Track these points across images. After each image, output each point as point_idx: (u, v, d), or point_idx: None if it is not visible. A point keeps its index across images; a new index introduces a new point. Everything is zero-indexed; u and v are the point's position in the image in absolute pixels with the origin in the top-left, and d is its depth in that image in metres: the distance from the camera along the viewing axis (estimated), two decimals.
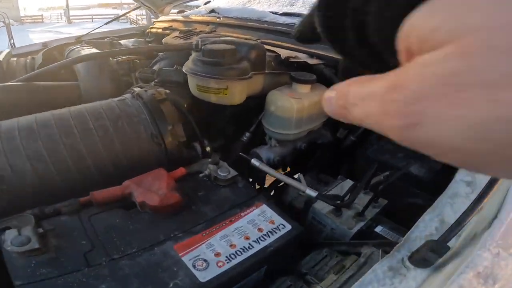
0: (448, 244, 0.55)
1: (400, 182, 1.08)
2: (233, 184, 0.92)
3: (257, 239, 0.77)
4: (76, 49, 1.44)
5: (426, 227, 0.64)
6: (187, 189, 0.89)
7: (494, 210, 0.65)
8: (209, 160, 0.95)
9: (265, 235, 0.78)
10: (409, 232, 0.63)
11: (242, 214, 0.83)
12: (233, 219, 0.81)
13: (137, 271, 0.65)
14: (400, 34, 0.15)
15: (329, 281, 0.69)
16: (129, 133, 0.92)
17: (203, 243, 0.74)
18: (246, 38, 1.50)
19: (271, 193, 1.30)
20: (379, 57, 0.18)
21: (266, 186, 1.42)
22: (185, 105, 1.17)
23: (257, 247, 0.75)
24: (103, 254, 0.67)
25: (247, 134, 1.38)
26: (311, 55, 1.38)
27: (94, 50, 1.38)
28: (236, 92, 1.11)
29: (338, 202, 0.83)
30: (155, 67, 1.47)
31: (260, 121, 1.37)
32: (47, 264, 0.62)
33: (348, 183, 1.03)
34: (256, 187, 1.40)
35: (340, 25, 0.19)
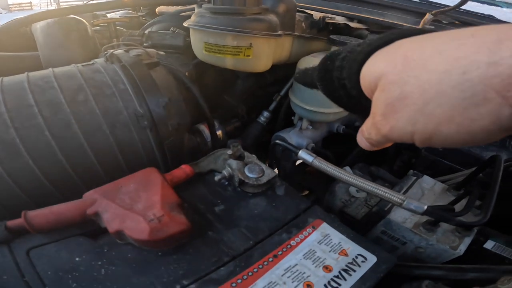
0: None
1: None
2: (269, 190, 0.57)
3: (325, 286, 0.42)
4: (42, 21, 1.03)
5: None
6: (197, 201, 0.53)
7: None
8: (228, 151, 0.58)
9: (337, 277, 0.43)
10: None
11: (292, 242, 0.48)
12: (281, 253, 0.46)
13: None
14: (361, 84, 0.28)
15: None
16: (98, 112, 0.55)
17: None
18: None
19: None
20: (359, 102, 0.30)
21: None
22: (187, 74, 0.80)
23: None
24: None
25: (266, 113, 1.01)
26: (351, 19, 1.02)
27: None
28: (262, 54, 0.74)
29: (454, 216, 0.49)
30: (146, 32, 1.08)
31: (283, 97, 1.01)
32: None
33: (427, 181, 0.69)
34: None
35: (332, 87, 0.31)
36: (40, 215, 0.41)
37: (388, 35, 0.27)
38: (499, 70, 0.20)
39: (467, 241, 0.56)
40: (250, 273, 0.43)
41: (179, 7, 1.27)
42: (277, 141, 0.63)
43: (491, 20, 0.93)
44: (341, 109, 0.85)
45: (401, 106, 0.24)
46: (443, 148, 0.82)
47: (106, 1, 0.98)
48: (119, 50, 0.68)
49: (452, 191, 0.66)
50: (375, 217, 0.62)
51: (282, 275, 0.43)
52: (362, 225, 0.66)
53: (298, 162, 0.97)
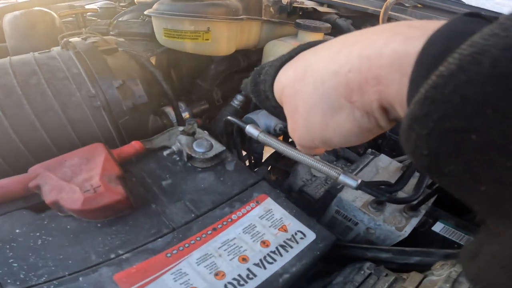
0: None
1: None
2: (219, 165, 0.57)
3: (261, 260, 0.42)
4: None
5: None
6: (146, 175, 0.53)
7: None
8: (181, 129, 0.58)
9: (273, 252, 0.43)
10: None
11: (233, 216, 0.48)
12: (220, 226, 0.46)
13: None
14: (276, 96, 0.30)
15: None
16: (50, 94, 0.55)
17: (166, 270, 0.39)
18: None
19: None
20: (278, 108, 0.31)
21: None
22: (153, 60, 0.79)
23: (262, 276, 0.40)
24: None
25: (239, 96, 1.01)
26: (320, 3, 1.00)
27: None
28: (221, 38, 0.74)
29: (389, 193, 0.49)
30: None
31: None
32: None
33: (383, 160, 0.69)
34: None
35: (261, 99, 0.33)
36: None
37: (294, 49, 0.28)
38: (340, 79, 0.21)
39: (413, 222, 0.55)
40: (186, 245, 0.43)
41: None
42: (228, 117, 0.62)
43: (455, 2, 0.91)
44: None
45: (296, 117, 0.26)
46: None
47: None
48: (76, 38, 0.67)
49: (403, 169, 0.66)
50: (329, 195, 0.62)
51: (219, 248, 0.43)
52: (320, 205, 0.66)
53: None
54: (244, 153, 0.93)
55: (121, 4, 1.83)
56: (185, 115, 0.81)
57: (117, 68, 0.63)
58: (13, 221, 0.43)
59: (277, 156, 1.02)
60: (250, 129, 0.53)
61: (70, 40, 0.64)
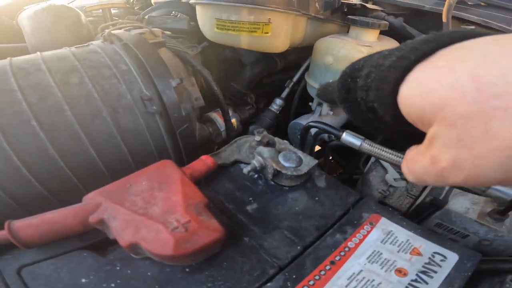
0: None
1: None
2: (308, 182, 0.46)
3: None
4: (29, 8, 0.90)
5: None
6: (223, 199, 0.41)
7: None
8: (256, 137, 0.47)
9: (415, 281, 0.33)
10: None
11: (350, 244, 0.37)
12: (338, 258, 0.35)
13: None
14: (402, 109, 0.20)
15: None
16: (96, 95, 0.43)
17: None
18: None
19: None
20: (396, 127, 0.23)
21: None
22: (194, 56, 0.68)
23: None
24: None
25: (279, 101, 0.91)
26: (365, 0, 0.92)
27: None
28: (281, 32, 0.64)
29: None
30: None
31: (295, 83, 0.91)
32: None
33: None
34: None
35: (357, 110, 0.25)
36: (28, 225, 0.30)
37: (425, 42, 0.19)
38: None
39: None
40: (305, 287, 0.32)
41: None
42: (311, 123, 0.52)
43: None
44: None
45: (486, 149, 0.17)
46: None
47: None
48: (119, 30, 0.56)
49: None
50: (428, 207, 0.52)
51: (347, 286, 0.32)
52: (410, 218, 0.56)
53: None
54: None
55: (136, 7, 1.73)
56: (233, 121, 0.70)
57: (168, 64, 0.51)
58: (74, 266, 0.30)
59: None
60: (349, 137, 0.43)
61: (113, 32, 0.52)
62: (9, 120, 0.37)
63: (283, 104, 0.92)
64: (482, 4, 0.86)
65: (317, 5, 0.83)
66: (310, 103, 0.86)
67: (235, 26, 0.60)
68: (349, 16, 0.80)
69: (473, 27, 0.80)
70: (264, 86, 1.01)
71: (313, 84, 0.78)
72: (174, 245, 0.28)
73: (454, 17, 0.82)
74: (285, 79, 0.94)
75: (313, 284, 0.32)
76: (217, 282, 0.31)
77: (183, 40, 0.79)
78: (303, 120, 0.82)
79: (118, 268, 0.31)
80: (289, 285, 0.32)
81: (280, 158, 0.44)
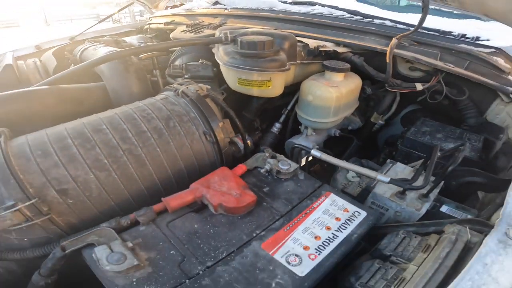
0: None
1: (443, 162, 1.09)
2: (295, 176, 0.90)
3: (338, 228, 0.75)
4: (90, 48, 1.33)
5: None
6: (251, 186, 0.85)
7: None
8: (266, 154, 0.91)
9: (344, 223, 0.77)
10: (503, 208, 0.65)
11: (314, 205, 0.81)
12: (308, 211, 0.79)
13: (236, 276, 0.62)
14: None
15: (420, 259, 0.69)
16: (182, 133, 0.87)
17: (288, 238, 0.72)
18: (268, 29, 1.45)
19: None
20: None
21: None
22: (222, 100, 1.12)
23: (341, 236, 0.73)
24: (197, 263, 0.63)
25: (278, 124, 1.35)
26: (338, 44, 1.36)
27: (112, 49, 1.27)
28: (278, 84, 1.08)
29: (410, 184, 0.83)
30: (177, 63, 1.39)
31: (289, 110, 1.35)
32: (147, 280, 0.57)
33: (400, 166, 1.04)
34: None
35: None
36: (174, 199, 0.73)
37: None
38: None
39: (426, 205, 0.90)
40: (293, 224, 0.75)
41: (192, 34, 1.59)
42: (295, 145, 0.96)
43: (444, 38, 1.25)
44: (336, 118, 1.20)
45: None
46: (413, 143, 1.16)
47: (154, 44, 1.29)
48: (183, 86, 0.99)
49: (415, 171, 1.01)
50: (365, 192, 0.97)
51: (312, 223, 0.76)
52: (358, 200, 1.00)
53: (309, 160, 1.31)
54: None
55: (148, 35, 2.17)
56: (249, 142, 1.13)
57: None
58: (190, 220, 0.74)
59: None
60: (315, 152, 0.87)
61: (183, 90, 0.95)
62: (147, 149, 0.80)
63: (280, 127, 1.36)
64: (415, 43, 1.27)
65: (302, 53, 1.28)
66: (300, 127, 1.30)
67: (249, 82, 1.04)
68: (324, 63, 1.23)
69: None
70: (267, 111, 1.44)
71: (301, 114, 1.23)
72: (235, 201, 0.72)
73: (394, 56, 1.23)
74: (283, 105, 1.38)
75: (296, 222, 0.76)
76: (253, 222, 0.75)
77: (210, 84, 1.22)
78: (294, 139, 1.26)
79: (209, 219, 0.74)
80: (285, 222, 0.76)
81: (279, 164, 0.88)
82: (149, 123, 0.83)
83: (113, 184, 0.74)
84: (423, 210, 0.87)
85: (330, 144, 1.43)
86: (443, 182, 0.96)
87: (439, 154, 0.88)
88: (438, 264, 0.63)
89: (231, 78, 1.09)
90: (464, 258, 0.64)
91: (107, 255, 0.57)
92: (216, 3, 2.03)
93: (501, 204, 0.71)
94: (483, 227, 0.72)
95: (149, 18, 2.35)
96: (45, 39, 1.88)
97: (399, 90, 1.24)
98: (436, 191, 0.92)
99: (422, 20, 1.06)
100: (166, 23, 2.03)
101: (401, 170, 1.02)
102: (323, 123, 1.20)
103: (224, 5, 1.95)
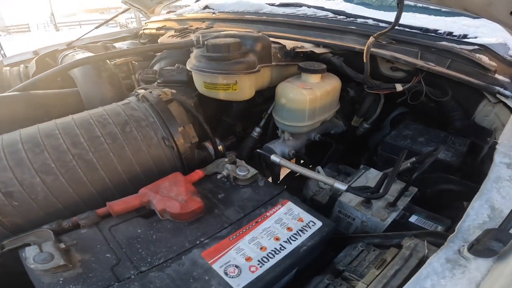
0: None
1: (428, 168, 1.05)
2: (254, 183, 0.90)
3: (287, 239, 0.74)
4: (70, 54, 1.41)
5: (477, 215, 0.62)
6: (207, 192, 0.87)
7: None
8: (226, 159, 0.92)
9: (295, 234, 0.76)
10: (460, 221, 0.61)
11: (268, 214, 0.81)
12: (260, 220, 0.79)
13: (168, 284, 0.63)
14: None
15: (371, 276, 0.66)
16: (139, 138, 0.89)
17: (231, 248, 0.72)
18: (246, 31, 1.48)
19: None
20: None
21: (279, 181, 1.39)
22: (192, 104, 1.14)
23: (289, 248, 0.72)
24: (131, 267, 0.65)
25: (257, 129, 1.36)
26: (317, 44, 1.36)
27: (89, 54, 1.34)
28: (245, 87, 1.09)
29: (370, 193, 0.81)
30: (155, 67, 1.44)
31: (270, 114, 1.35)
32: (75, 280, 0.60)
33: (373, 172, 1.01)
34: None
35: None
36: (118, 204, 0.75)
37: None
38: None
39: (393, 215, 0.87)
40: (241, 232, 0.75)
41: (178, 39, 1.64)
42: (257, 150, 0.96)
43: (425, 35, 1.22)
44: (312, 122, 1.19)
45: None
46: (392, 148, 1.13)
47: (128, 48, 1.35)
48: (146, 91, 1.03)
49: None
50: (332, 200, 0.95)
51: (261, 233, 0.76)
52: (327, 208, 0.99)
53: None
54: None
55: (142, 41, 2.25)
56: (220, 147, 1.14)
57: (174, 115, 0.98)
58: (135, 224, 0.76)
59: (290, 177, 1.35)
60: (274, 158, 0.87)
61: (144, 94, 0.98)
62: (99, 154, 0.83)
63: (261, 131, 1.36)
64: (393, 42, 1.24)
65: (278, 55, 1.28)
66: (277, 131, 1.30)
67: (215, 86, 1.06)
68: (299, 64, 1.23)
69: None
70: (252, 116, 1.44)
71: (277, 118, 1.23)
72: (180, 207, 0.73)
73: (372, 55, 1.19)
74: (267, 108, 1.38)
75: (245, 231, 0.76)
76: (200, 229, 0.75)
77: (185, 88, 1.25)
78: (271, 144, 1.26)
79: (154, 224, 0.75)
80: (233, 230, 0.76)
81: (237, 170, 0.88)
82: (104, 128, 0.87)
83: (61, 188, 0.77)
84: (389, 221, 0.84)
85: (314, 149, 1.42)
86: (417, 190, 0.93)
87: (405, 160, 0.85)
88: (383, 284, 0.61)
89: (198, 82, 1.11)
90: None
91: (35, 255, 0.60)
92: (206, 7, 2.09)
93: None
94: (445, 240, 0.69)
95: (145, 23, 2.44)
96: (54, 43, 2.01)
97: (378, 92, 1.22)
98: (406, 199, 0.89)
99: (398, 17, 1.04)
100: (158, 28, 2.11)
101: (374, 176, 1.00)
102: (298, 127, 1.20)
103: (213, 9, 2.00)
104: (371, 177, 1.00)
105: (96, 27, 2.27)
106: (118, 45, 1.92)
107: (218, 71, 1.03)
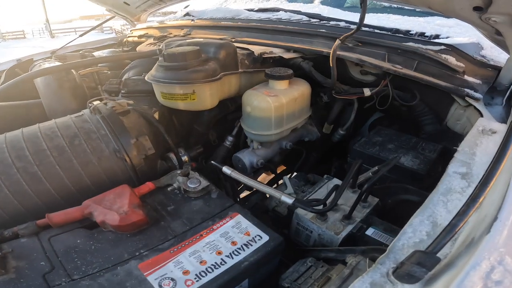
0: (441, 251, 0.49)
1: (392, 176, 1.04)
2: (206, 195, 0.91)
3: (230, 253, 0.75)
4: (38, 64, 1.46)
5: (415, 232, 0.58)
6: (156, 204, 0.88)
7: (494, 209, 0.56)
8: (178, 171, 0.94)
9: (239, 248, 0.76)
10: (395, 239, 0.57)
11: (214, 227, 0.81)
12: (205, 233, 0.79)
13: None
14: None
15: None
16: (88, 151, 0.92)
17: (170, 260, 0.72)
18: (220, 38, 1.51)
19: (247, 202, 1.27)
20: None
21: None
22: (156, 114, 1.17)
23: (230, 263, 0.72)
24: (63, 275, 0.67)
25: (230, 138, 1.37)
26: (288, 49, 1.38)
27: (56, 64, 1.39)
28: (205, 96, 1.11)
29: (317, 207, 0.81)
30: (125, 77, 1.48)
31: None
32: (6, 285, 0.62)
33: (335, 182, 1.01)
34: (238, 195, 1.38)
35: None
36: (58, 215, 0.77)
37: None
38: None
39: (349, 228, 0.86)
40: (183, 245, 0.76)
41: (155, 46, 1.69)
42: (211, 161, 0.98)
43: (392, 36, 1.23)
44: (280, 130, 1.20)
45: None
46: (360, 155, 1.13)
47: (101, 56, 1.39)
48: (100, 104, 1.05)
49: (349, 188, 0.97)
50: (290, 212, 0.95)
51: (204, 246, 0.76)
52: (286, 220, 0.99)
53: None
54: None
55: (125, 48, 2.31)
56: (185, 158, 1.15)
57: (131, 126, 1.00)
58: (75, 235, 0.77)
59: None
60: (225, 169, 0.88)
61: (96, 106, 1.01)
62: (45, 167, 0.86)
63: (233, 140, 1.37)
64: (359, 44, 1.24)
65: (246, 61, 1.30)
66: (246, 140, 1.31)
67: (172, 96, 1.08)
68: (265, 71, 1.24)
69: None
70: (227, 123, 1.45)
71: (244, 127, 1.24)
72: (119, 220, 0.75)
73: (340, 59, 1.19)
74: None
75: (187, 244, 0.76)
76: (141, 241, 0.77)
77: (151, 98, 1.27)
78: (240, 154, 1.27)
79: (95, 235, 0.77)
80: (175, 243, 0.76)
81: (188, 182, 0.89)
82: (51, 141, 0.90)
83: (5, 199, 0.80)
84: (343, 234, 0.83)
85: (291, 157, 1.42)
86: (378, 200, 0.93)
87: (369, 168, 0.85)
88: None
89: (157, 92, 1.14)
90: None
91: None
92: (186, 14, 2.14)
93: None
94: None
95: (130, 31, 2.52)
96: (48, 49, 2.09)
97: (346, 97, 1.22)
98: (365, 211, 0.88)
99: (361, 18, 1.05)
100: (140, 36, 2.17)
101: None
102: (266, 135, 1.21)
103: (193, 17, 2.05)
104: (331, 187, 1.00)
105: (81, 35, 2.35)
106: (97, 53, 1.97)
107: (174, 81, 1.05)
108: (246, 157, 1.25)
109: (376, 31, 1.26)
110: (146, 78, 1.13)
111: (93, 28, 2.50)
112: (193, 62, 1.07)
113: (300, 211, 0.91)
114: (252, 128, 1.21)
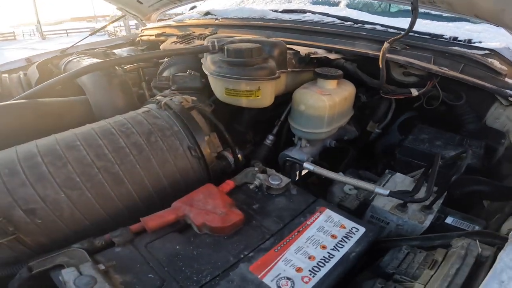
0: None
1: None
2: (287, 192, 0.86)
3: (334, 246, 0.71)
4: (74, 60, 1.31)
5: None
6: (240, 203, 0.82)
7: None
8: (255, 169, 0.88)
9: (341, 241, 0.73)
10: None
11: (308, 222, 0.77)
12: (301, 229, 0.75)
13: None
14: None
15: (427, 277, 0.64)
16: (165, 148, 0.83)
17: (278, 260, 0.67)
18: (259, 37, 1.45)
19: None
20: None
21: None
22: (210, 112, 1.09)
23: (338, 255, 0.69)
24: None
25: (271, 136, 1.32)
26: (329, 50, 1.35)
27: (95, 60, 1.26)
28: (267, 93, 1.05)
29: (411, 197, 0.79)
30: (165, 74, 1.38)
31: (283, 121, 1.32)
32: None
33: (399, 176, 1.00)
34: None
35: None
36: (153, 219, 0.69)
37: None
38: None
39: (430, 217, 0.85)
40: (284, 243, 0.71)
41: (182, 45, 1.59)
42: (287, 158, 0.93)
43: (436, 41, 1.25)
44: (330, 128, 1.18)
45: None
46: (411, 152, 1.13)
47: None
48: (167, 98, 0.96)
49: (415, 181, 0.98)
50: (364, 205, 0.93)
51: (305, 242, 0.72)
52: (357, 214, 0.96)
53: (302, 174, 1.27)
54: None
55: (139, 47, 2.17)
56: (239, 156, 1.09)
57: (199, 123, 0.92)
58: (171, 240, 0.69)
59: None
60: (307, 165, 0.84)
61: (166, 102, 0.92)
62: (125, 166, 0.76)
63: (274, 139, 1.33)
64: (407, 47, 1.26)
65: (293, 61, 1.26)
66: (293, 138, 1.28)
67: (237, 93, 1.02)
68: (316, 70, 1.22)
69: None
70: (260, 123, 1.41)
71: (294, 125, 1.20)
72: (220, 220, 0.68)
73: (387, 61, 1.20)
74: (276, 116, 1.35)
75: (288, 241, 0.72)
76: (241, 242, 0.70)
77: (199, 95, 1.20)
78: (288, 152, 1.23)
79: (192, 239, 0.70)
80: (276, 242, 0.71)
81: (270, 179, 0.84)
82: (128, 139, 0.80)
83: (87, 204, 0.70)
84: (427, 223, 0.83)
85: (326, 156, 1.40)
86: (446, 192, 0.93)
87: (440, 162, 0.85)
88: (448, 282, 0.59)
89: (219, 88, 1.07)
90: (476, 275, 0.60)
91: (75, 278, 0.52)
92: (207, 13, 2.05)
93: (510, 214, 0.67)
94: (494, 239, 0.68)
95: (141, 30, 2.36)
96: (40, 51, 1.88)
97: (394, 97, 1.22)
98: (439, 201, 0.89)
99: (412, 22, 1.05)
100: (157, 35, 2.04)
101: (401, 180, 0.99)
102: (317, 133, 1.18)
103: (215, 16, 1.96)
104: (398, 181, 0.99)
105: (90, 34, 2.17)
106: (117, 51, 1.83)
107: (242, 77, 0.99)
108: (296, 154, 1.21)
109: (416, 35, 1.27)
110: (208, 73, 1.05)
111: (104, 27, 2.32)
112: (258, 59, 1.01)
113: (377, 203, 0.89)
114: (303, 126, 1.18)
